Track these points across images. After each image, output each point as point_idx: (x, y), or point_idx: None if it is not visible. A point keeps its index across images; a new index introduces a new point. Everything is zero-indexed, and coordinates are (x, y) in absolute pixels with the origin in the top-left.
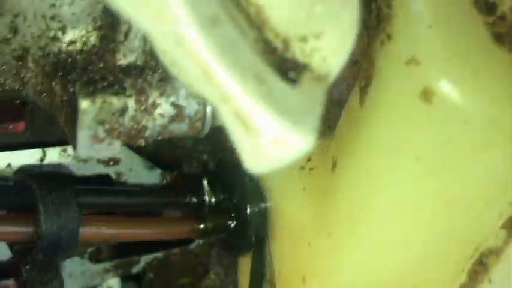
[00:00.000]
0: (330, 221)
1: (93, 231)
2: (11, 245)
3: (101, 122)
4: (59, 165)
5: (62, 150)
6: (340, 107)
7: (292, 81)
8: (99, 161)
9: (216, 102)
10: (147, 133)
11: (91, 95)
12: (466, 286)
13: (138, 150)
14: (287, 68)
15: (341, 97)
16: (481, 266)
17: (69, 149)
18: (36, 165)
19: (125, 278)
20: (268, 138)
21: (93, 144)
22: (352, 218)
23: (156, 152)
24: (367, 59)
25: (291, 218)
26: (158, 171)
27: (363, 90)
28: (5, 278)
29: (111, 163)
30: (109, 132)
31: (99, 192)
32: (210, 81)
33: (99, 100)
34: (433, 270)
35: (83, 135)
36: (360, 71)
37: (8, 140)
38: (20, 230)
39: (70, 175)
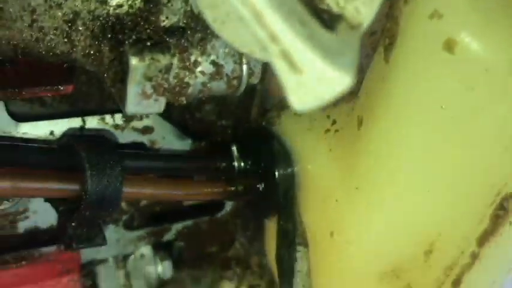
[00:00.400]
0: (357, 175)
1: (134, 190)
2: (56, 207)
3: (149, 79)
4: (100, 131)
5: (100, 119)
6: (361, 73)
7: (330, 28)
8: (135, 129)
9: (265, 42)
10: (189, 90)
11: (140, 52)
12: (488, 230)
13: (169, 120)
14: (323, 17)
15: (361, 65)
16: (502, 210)
17: (108, 117)
18: (79, 130)
19: (156, 246)
20: (312, 75)
21: (141, 100)
22: (379, 171)
23: (185, 123)
24: (391, 19)
25: (318, 178)
26: (188, 140)
27: (388, 48)
28: (47, 245)
29: (146, 132)
30: (155, 89)
31: (138, 156)
32: (261, 21)
33: (147, 57)
34: (457, 217)
35: (132, 91)
36: (383, 32)
37: (49, 110)
38: (67, 187)
39: (111, 140)
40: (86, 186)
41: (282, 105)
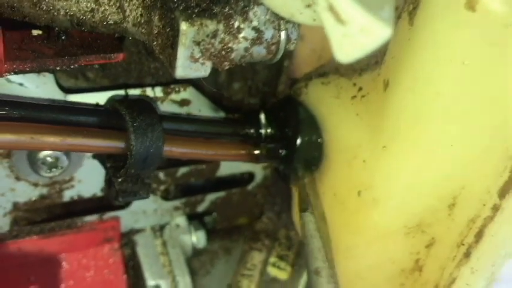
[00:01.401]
0: (384, 135)
1: (172, 149)
2: (104, 163)
3: (197, 43)
4: (141, 97)
5: (142, 91)
6: (384, 45)
7: None
8: (173, 102)
9: None
10: (233, 55)
11: (190, 18)
12: (509, 182)
13: (204, 94)
14: None
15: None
16: None
17: (148, 90)
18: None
19: (190, 217)
20: (355, 26)
21: (190, 64)
22: (406, 128)
23: (218, 100)
24: None
25: (344, 141)
26: (222, 113)
27: (412, 13)
28: (90, 213)
29: (183, 104)
30: (203, 53)
31: (175, 118)
32: None
33: (197, 22)
34: (479, 170)
35: (182, 54)
36: (406, 0)
37: (92, 84)
38: (113, 145)
39: (151, 103)
40: (130, 145)
41: (309, 76)
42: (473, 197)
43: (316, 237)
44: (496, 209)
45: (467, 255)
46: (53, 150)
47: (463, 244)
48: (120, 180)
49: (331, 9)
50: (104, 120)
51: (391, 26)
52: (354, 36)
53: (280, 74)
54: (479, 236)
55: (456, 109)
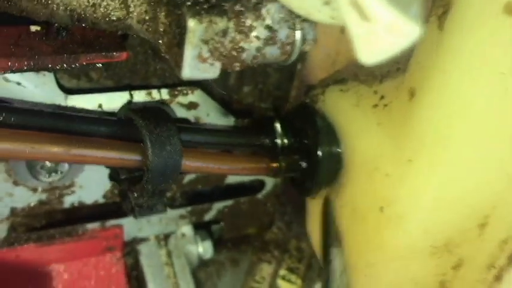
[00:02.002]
0: (410, 148)
1: (190, 163)
2: (117, 174)
3: (206, 42)
4: (157, 104)
5: (147, 93)
6: (409, 49)
7: None
8: (181, 105)
9: None
10: (244, 55)
11: (198, 14)
12: None
13: (213, 97)
14: None
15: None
16: None
17: (154, 92)
18: (135, 103)
19: (197, 226)
20: (381, 24)
21: (198, 64)
22: (434, 141)
23: (227, 103)
24: None
25: (366, 153)
26: (232, 118)
27: (442, 17)
28: (92, 221)
29: (191, 107)
30: (212, 52)
31: (191, 129)
32: None
33: (205, 19)
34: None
35: (189, 54)
36: (434, 2)
37: (95, 85)
38: (129, 157)
39: (168, 113)
40: (148, 160)
41: (326, 82)
42: (507, 217)
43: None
44: None
45: (498, 278)
46: (56, 162)
47: (493, 266)
48: (135, 195)
49: (355, 4)
50: (115, 130)
51: (421, 24)
52: (379, 34)
53: (292, 78)
54: None
55: (490, 122)
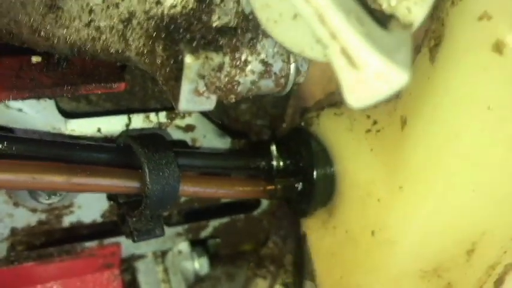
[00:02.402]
0: (401, 175)
1: (187, 188)
2: (116, 199)
3: (202, 76)
4: (154, 130)
5: (145, 117)
6: None
7: (383, 27)
8: (178, 127)
9: (326, 39)
10: (239, 88)
11: (195, 51)
12: None
13: (209, 119)
14: (377, 16)
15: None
16: None
17: (152, 115)
18: (136, 130)
19: (194, 243)
20: (370, 71)
21: (194, 98)
22: (424, 170)
23: (223, 123)
24: (436, 20)
25: (358, 177)
26: (228, 139)
27: (433, 50)
28: (90, 239)
29: (188, 129)
30: (208, 87)
31: (188, 154)
32: (323, 20)
33: (202, 55)
34: (501, 216)
35: (186, 88)
36: (426, 33)
37: (95, 107)
38: (129, 185)
39: (166, 139)
40: (146, 187)
41: (321, 105)
42: (494, 244)
43: None
44: None
45: None
46: (57, 191)
47: None
48: (134, 219)
49: (344, 52)
50: (115, 157)
51: (409, 70)
52: (368, 81)
53: (289, 96)
54: (499, 283)
55: (477, 153)
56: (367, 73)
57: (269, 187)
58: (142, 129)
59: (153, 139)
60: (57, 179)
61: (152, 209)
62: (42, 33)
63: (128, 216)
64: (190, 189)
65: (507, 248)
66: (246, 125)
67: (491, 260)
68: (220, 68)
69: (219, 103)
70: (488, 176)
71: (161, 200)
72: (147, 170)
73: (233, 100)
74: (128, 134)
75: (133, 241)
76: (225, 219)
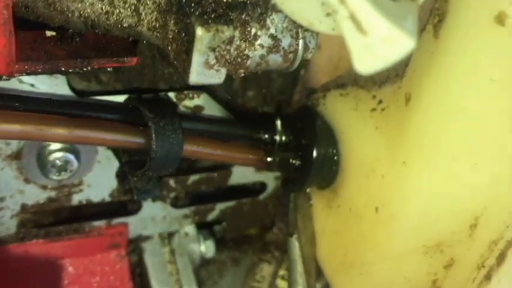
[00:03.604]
0: (405, 150)
1: (189, 148)
2: (120, 157)
3: (213, 49)
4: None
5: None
6: (405, 57)
7: None
8: (187, 108)
9: (335, 5)
10: (248, 62)
11: (206, 23)
12: None
13: (217, 101)
14: None
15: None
16: None
17: (161, 95)
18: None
19: (200, 226)
20: (377, 37)
21: (204, 70)
22: (427, 144)
23: (231, 107)
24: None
25: (363, 155)
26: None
27: (437, 26)
28: (98, 219)
29: (196, 110)
30: (218, 59)
31: (192, 117)
32: None
33: (213, 28)
34: (503, 191)
35: (197, 60)
36: (431, 11)
37: (105, 87)
38: (133, 140)
39: (172, 102)
40: (151, 149)
41: (327, 87)
42: (496, 219)
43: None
44: None
45: (488, 277)
46: (62, 143)
47: (483, 266)
48: (135, 178)
49: (352, 18)
50: (123, 116)
51: (415, 36)
52: (375, 46)
53: (296, 83)
54: (501, 258)
55: (481, 126)
56: (375, 38)
57: (267, 158)
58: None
59: (160, 104)
60: (61, 131)
61: (155, 171)
62: (57, 6)
63: (130, 175)
64: (190, 149)
65: (509, 223)
66: (253, 111)
67: (494, 235)
68: (230, 41)
69: (226, 89)
70: (490, 149)
71: (164, 163)
72: (153, 134)
73: (242, 74)
74: (138, 97)
75: (133, 199)
76: (231, 203)
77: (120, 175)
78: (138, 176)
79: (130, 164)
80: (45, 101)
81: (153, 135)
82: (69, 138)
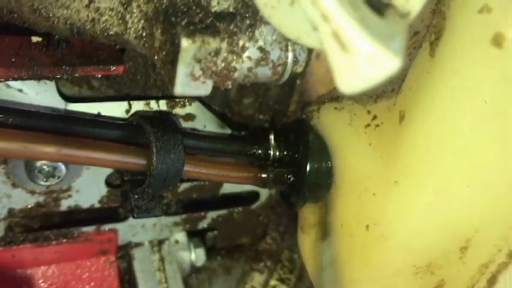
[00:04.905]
0: (397, 169)
1: (189, 169)
2: (121, 176)
3: (198, 61)
4: (164, 114)
5: (145, 104)
6: (403, 71)
7: (379, 14)
8: (178, 116)
9: (317, 21)
10: (236, 75)
11: (192, 34)
12: None
13: (210, 109)
14: (373, 4)
15: (403, 64)
16: None
17: (152, 102)
18: (146, 111)
19: (191, 234)
20: (362, 56)
21: (190, 82)
22: (419, 164)
23: (224, 116)
24: (438, 14)
25: (355, 172)
26: (228, 130)
27: (434, 43)
28: (87, 224)
29: (188, 119)
30: (204, 71)
31: (192, 135)
32: (315, 2)
33: (198, 39)
34: (495, 214)
35: (182, 72)
36: (428, 28)
37: (96, 93)
38: (134, 161)
39: (175, 121)
40: (152, 166)
41: (322, 99)
42: (488, 242)
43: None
44: (511, 255)
45: None
46: (51, 161)
47: None
48: (136, 196)
49: (335, 36)
50: (125, 135)
51: (401, 56)
52: (359, 66)
53: (292, 93)
54: (491, 282)
55: (474, 149)
56: (359, 58)
57: (261, 175)
58: (155, 112)
59: (163, 121)
60: (48, 150)
61: (155, 188)
62: (42, 12)
63: (131, 193)
64: (191, 170)
65: (501, 247)
66: (248, 119)
67: (485, 258)
68: (216, 52)
69: (223, 96)
70: (483, 171)
71: (164, 180)
72: (154, 149)
73: (229, 86)
74: (140, 114)
75: (133, 217)
76: (223, 212)
77: (111, 182)
78: (138, 193)
79: (132, 182)
80: (38, 115)
81: (154, 150)
82: (56, 157)
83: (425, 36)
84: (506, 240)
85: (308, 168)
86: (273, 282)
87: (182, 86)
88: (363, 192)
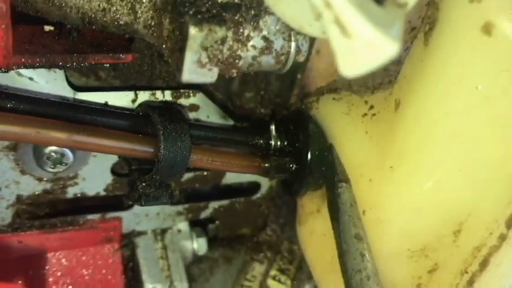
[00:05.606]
0: (392, 155)
1: (195, 158)
2: (129, 164)
3: (205, 48)
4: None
5: (151, 94)
6: (399, 65)
7: (378, 2)
8: (182, 106)
9: (320, 8)
10: (240, 63)
11: (199, 23)
12: None
13: (213, 100)
14: None
15: (400, 57)
16: None
17: (158, 93)
18: (153, 101)
19: (193, 223)
20: (362, 41)
21: (197, 69)
22: (414, 150)
23: (227, 108)
24: (432, 6)
25: (352, 159)
26: (230, 120)
27: (428, 33)
28: (92, 212)
29: (192, 109)
30: (210, 59)
31: (198, 126)
32: None
33: (206, 28)
34: (487, 197)
35: (189, 59)
36: (423, 20)
37: (103, 83)
38: (142, 149)
39: (182, 111)
40: (159, 153)
41: (321, 91)
42: (480, 225)
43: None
44: (502, 238)
45: (470, 283)
46: (61, 147)
47: (466, 272)
48: (144, 184)
49: (337, 21)
50: (131, 123)
51: (399, 42)
52: (359, 50)
53: (293, 86)
54: (483, 264)
55: (466, 133)
56: (359, 42)
57: (264, 164)
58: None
59: (171, 111)
60: (60, 135)
61: (162, 175)
62: (55, 2)
63: (139, 181)
64: (198, 159)
65: (492, 230)
66: (250, 112)
67: (477, 241)
68: (223, 41)
69: (225, 90)
70: (475, 156)
71: (172, 167)
72: (162, 137)
73: (234, 74)
74: (148, 103)
75: (141, 205)
76: (224, 202)
77: (116, 171)
78: (146, 181)
79: (140, 171)
80: (37, 100)
81: (161, 138)
82: (67, 143)
83: (420, 27)
84: (498, 224)
85: (309, 156)
86: (273, 272)
87: (189, 73)
88: (359, 178)
